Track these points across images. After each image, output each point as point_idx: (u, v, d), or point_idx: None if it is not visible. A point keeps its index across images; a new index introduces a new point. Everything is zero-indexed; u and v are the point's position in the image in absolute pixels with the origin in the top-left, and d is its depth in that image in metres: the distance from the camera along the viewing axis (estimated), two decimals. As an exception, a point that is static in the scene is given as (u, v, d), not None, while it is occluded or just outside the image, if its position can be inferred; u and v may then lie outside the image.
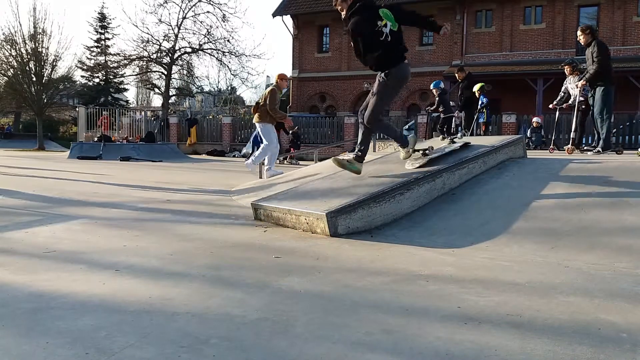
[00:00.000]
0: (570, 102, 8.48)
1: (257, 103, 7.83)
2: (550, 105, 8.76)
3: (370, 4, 4.23)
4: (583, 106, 8.38)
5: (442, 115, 11.78)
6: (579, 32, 7.32)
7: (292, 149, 16.85)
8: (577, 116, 8.46)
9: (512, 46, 22.92)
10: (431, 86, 11.99)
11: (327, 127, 21.36)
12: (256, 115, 7.74)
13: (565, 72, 8.78)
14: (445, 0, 23.64)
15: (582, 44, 7.30)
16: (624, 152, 7.86)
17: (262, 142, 7.83)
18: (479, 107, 11.18)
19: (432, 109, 12.28)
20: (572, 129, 8.34)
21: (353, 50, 4.36)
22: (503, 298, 2.27)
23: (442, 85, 11.94)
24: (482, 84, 11.11)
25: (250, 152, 16.88)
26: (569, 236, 3.32)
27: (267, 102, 7.55)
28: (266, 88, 8.72)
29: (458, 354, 1.70)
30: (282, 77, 7.98)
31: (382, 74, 4.28)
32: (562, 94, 8.72)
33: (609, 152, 7.08)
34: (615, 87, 7.34)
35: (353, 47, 4.31)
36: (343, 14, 4.27)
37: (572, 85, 8.47)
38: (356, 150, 4.54)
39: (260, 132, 7.83)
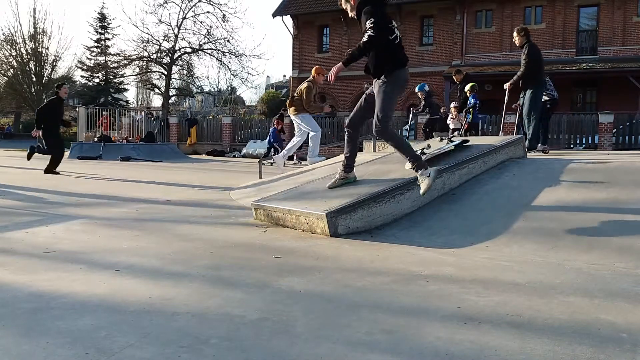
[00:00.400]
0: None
1: (292, 97, 7.78)
2: (513, 105, 8.89)
3: (384, 2, 4.07)
4: (548, 105, 8.58)
5: (427, 117, 11.86)
6: (514, 33, 7.48)
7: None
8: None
9: (512, 46, 22.84)
10: (416, 89, 12.05)
11: (327, 127, 21.33)
12: (292, 109, 7.70)
13: None
14: (446, 0, 23.64)
15: (517, 45, 7.43)
16: (550, 151, 8.15)
17: (274, 141, 7.83)
18: (467, 107, 11.22)
19: (419, 111, 12.38)
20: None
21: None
22: (503, 298, 2.27)
23: (426, 87, 12.02)
24: (473, 83, 11.05)
25: (267, 153, 16.91)
26: (569, 236, 3.32)
27: (304, 97, 7.52)
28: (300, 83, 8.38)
29: (458, 354, 1.70)
30: (319, 71, 7.80)
31: (383, 77, 3.99)
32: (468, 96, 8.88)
33: (534, 152, 7.27)
34: (544, 89, 7.61)
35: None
36: (351, 13, 4.10)
37: None
38: (344, 163, 4.34)
39: (301, 124, 7.77)
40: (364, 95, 4.29)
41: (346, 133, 4.35)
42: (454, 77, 11.56)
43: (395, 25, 4.01)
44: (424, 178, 3.83)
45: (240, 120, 25.22)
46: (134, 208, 5.08)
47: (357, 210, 3.75)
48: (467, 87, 10.93)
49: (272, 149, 16.90)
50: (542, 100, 8.46)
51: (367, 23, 3.82)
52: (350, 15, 4.16)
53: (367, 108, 4.24)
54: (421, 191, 3.84)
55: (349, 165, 4.36)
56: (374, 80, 4.14)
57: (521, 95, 7.54)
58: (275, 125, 17.51)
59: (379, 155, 6.26)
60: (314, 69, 7.94)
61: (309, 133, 7.83)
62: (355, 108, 4.32)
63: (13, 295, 2.30)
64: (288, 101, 7.87)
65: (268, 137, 17.36)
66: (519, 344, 1.77)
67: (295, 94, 7.76)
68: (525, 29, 7.52)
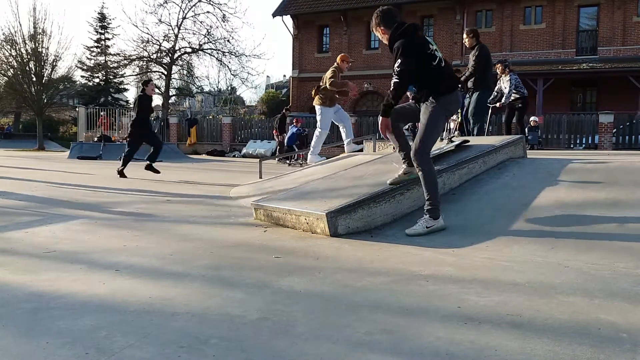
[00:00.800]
0: (503, 100, 8.73)
1: (318, 86, 7.59)
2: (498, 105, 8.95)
3: (417, 31, 3.81)
4: (520, 104, 8.66)
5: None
6: (464, 35, 7.45)
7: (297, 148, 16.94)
8: (514, 114, 8.96)
9: (512, 46, 22.94)
10: None
11: (327, 127, 21.34)
12: (317, 98, 7.53)
13: (497, 71, 9.02)
14: (445, 0, 23.65)
15: (467, 46, 7.42)
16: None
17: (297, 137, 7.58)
18: None
19: None
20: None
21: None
22: (503, 298, 2.27)
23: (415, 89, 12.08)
24: None
25: (291, 152, 16.74)
26: (569, 236, 3.32)
27: (326, 80, 7.33)
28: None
29: (458, 354, 1.70)
30: (343, 58, 7.64)
31: (432, 98, 3.69)
32: (496, 93, 8.89)
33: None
34: (491, 92, 7.73)
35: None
36: (384, 39, 3.88)
37: (505, 85, 8.80)
38: (402, 161, 4.07)
39: (318, 115, 7.60)
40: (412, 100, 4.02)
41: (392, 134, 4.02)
42: None
43: (434, 48, 3.73)
44: (427, 223, 3.61)
45: (240, 120, 25.25)
46: (134, 208, 5.08)
47: (357, 210, 3.75)
48: None
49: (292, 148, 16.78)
50: (513, 99, 8.69)
51: (395, 63, 3.62)
52: (386, 42, 3.93)
53: (406, 115, 4.06)
54: (411, 230, 3.60)
55: (407, 159, 3.99)
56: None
57: (467, 96, 7.56)
58: (295, 123, 17.41)
59: (379, 155, 6.26)
60: (339, 56, 7.76)
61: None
62: (400, 106, 3.99)
63: (13, 295, 2.30)
64: (313, 91, 7.65)
65: (290, 135, 17.05)
66: (519, 344, 1.77)
67: (321, 83, 7.54)
68: (475, 31, 7.47)
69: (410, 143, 4.13)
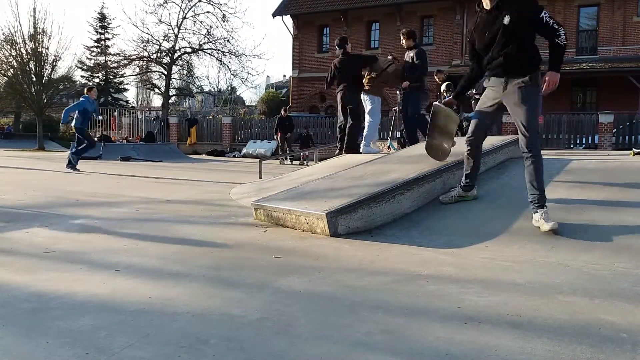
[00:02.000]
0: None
1: (375, 76, 7.44)
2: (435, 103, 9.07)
3: None
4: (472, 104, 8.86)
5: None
6: (401, 36, 7.43)
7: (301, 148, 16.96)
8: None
9: (512, 46, 22.92)
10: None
11: (327, 127, 21.36)
12: (368, 87, 7.43)
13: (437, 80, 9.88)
14: (446, 0, 23.64)
15: (405, 47, 7.42)
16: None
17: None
18: None
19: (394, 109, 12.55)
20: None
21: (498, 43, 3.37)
22: (503, 298, 2.27)
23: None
24: (448, 82, 10.94)
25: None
26: (569, 236, 3.32)
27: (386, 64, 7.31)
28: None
29: (458, 354, 1.70)
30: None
31: (525, 79, 3.36)
32: (445, 95, 9.12)
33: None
34: (426, 93, 7.88)
35: (505, 36, 3.35)
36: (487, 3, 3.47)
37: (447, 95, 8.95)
38: (463, 180, 4.06)
39: (370, 104, 7.41)
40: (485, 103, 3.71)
41: (467, 149, 3.91)
42: (435, 77, 11.52)
43: None
44: (545, 215, 3.35)
45: (240, 120, 25.25)
46: (134, 208, 5.08)
47: (357, 210, 3.75)
48: (443, 87, 10.89)
49: None
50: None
51: (539, 13, 3.24)
52: (487, 9, 3.50)
53: (486, 131, 3.92)
54: (546, 227, 3.31)
55: (468, 185, 4.06)
56: (502, 80, 3.49)
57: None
58: None
59: (379, 155, 6.26)
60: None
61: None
62: (481, 125, 3.80)
63: (13, 295, 2.30)
64: (366, 79, 7.48)
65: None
66: (519, 344, 1.77)
67: (372, 74, 7.42)
68: (413, 32, 7.49)
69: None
